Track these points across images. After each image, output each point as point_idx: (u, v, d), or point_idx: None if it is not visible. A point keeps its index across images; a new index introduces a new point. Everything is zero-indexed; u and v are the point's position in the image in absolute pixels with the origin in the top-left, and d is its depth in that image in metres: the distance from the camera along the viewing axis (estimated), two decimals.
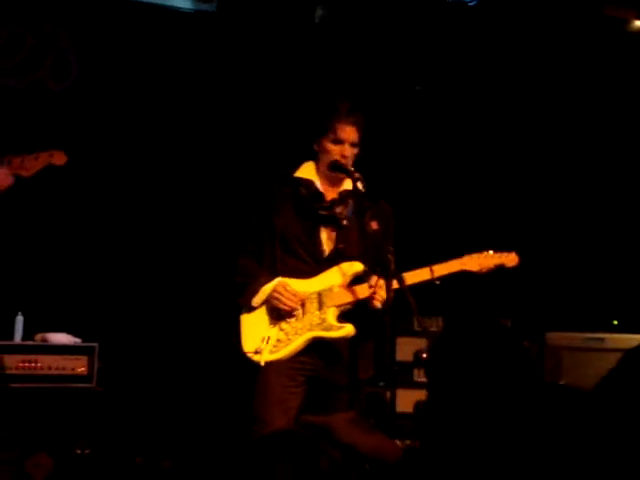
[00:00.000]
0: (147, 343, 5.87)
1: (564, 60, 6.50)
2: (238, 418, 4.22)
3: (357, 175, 3.90)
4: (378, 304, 3.84)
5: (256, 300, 3.94)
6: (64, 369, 5.17)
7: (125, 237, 5.95)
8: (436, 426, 2.01)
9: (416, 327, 5.70)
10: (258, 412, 3.87)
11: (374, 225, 3.79)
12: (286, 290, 3.90)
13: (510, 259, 4.03)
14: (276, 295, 3.90)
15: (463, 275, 3.97)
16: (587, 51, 6.43)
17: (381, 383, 5.52)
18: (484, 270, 3.98)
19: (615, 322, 6.01)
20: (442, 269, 3.91)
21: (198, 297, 5.93)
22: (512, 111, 6.65)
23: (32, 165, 4.04)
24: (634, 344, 5.71)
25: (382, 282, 3.75)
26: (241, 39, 6.21)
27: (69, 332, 5.36)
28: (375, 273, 3.84)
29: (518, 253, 3.90)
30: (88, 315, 5.66)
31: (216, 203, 6.06)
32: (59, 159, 4.11)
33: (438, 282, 3.91)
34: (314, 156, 4.09)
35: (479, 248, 3.87)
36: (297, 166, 4.12)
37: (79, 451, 5.07)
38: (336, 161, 3.97)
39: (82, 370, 5.23)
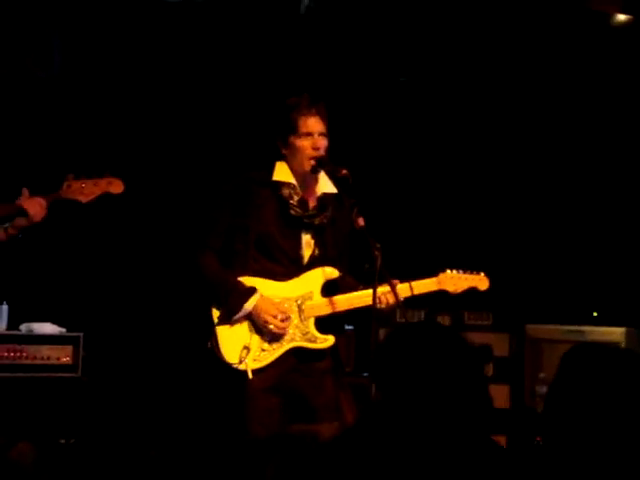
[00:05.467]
0: (131, 332, 5.90)
1: (549, 54, 6.52)
2: (223, 410, 4.25)
3: (344, 172, 3.86)
4: (382, 306, 3.89)
5: (237, 317, 3.91)
6: (49, 359, 5.21)
7: (108, 226, 5.96)
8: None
9: (398, 319, 5.76)
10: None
11: (361, 222, 3.78)
12: (276, 316, 3.90)
13: (482, 283, 4.21)
14: (267, 318, 3.89)
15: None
16: (571, 45, 6.46)
17: (365, 374, 5.57)
18: (458, 291, 4.15)
19: (595, 314, 6.07)
20: (420, 287, 4.03)
21: (183, 285, 5.94)
22: (495, 103, 6.67)
23: (91, 191, 3.99)
24: (613, 337, 5.77)
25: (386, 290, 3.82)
26: (227, 30, 6.21)
27: (54, 322, 5.39)
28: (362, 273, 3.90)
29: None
30: (73, 305, 5.68)
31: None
32: (117, 187, 4.04)
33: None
34: (279, 158, 4.02)
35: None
36: (264, 167, 4.04)
37: (63, 440, 5.11)
38: (321, 159, 3.91)
39: (67, 360, 5.26)
